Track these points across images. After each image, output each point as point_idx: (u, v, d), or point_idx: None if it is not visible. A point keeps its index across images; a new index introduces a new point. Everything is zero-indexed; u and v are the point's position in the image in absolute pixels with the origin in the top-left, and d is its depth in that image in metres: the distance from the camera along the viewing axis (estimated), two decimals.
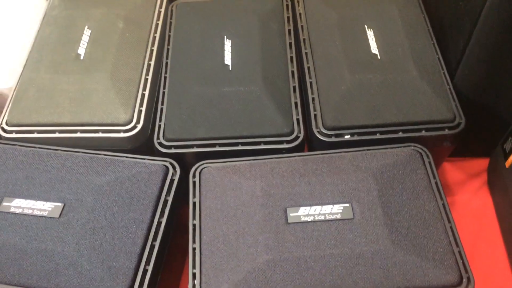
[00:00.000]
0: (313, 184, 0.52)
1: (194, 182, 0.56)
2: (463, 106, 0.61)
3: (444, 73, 0.64)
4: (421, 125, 0.59)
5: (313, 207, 0.50)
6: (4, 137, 0.62)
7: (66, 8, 0.73)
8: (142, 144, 0.63)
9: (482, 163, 0.73)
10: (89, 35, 0.69)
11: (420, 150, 0.56)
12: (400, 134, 0.58)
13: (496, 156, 0.68)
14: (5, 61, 0.72)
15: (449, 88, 0.62)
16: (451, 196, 0.71)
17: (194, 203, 0.54)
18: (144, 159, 0.58)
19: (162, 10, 0.75)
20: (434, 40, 0.67)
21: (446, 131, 0.58)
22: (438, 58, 0.65)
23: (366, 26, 0.68)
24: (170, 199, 0.55)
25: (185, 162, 0.59)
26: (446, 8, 0.68)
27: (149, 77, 0.66)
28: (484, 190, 0.71)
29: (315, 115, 0.61)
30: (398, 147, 0.56)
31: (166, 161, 0.58)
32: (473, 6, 0.58)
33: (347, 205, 0.50)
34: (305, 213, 0.50)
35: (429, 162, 0.55)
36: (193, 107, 0.62)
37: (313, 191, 0.51)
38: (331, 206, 0.50)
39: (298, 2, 0.74)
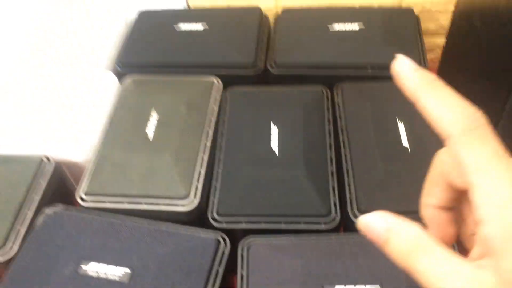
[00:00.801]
0: (348, 265, 0.59)
1: (242, 256, 0.64)
2: None
3: None
4: None
5: (348, 286, 0.57)
6: (81, 205, 0.72)
7: (137, 94, 0.86)
8: (196, 217, 0.72)
9: None
10: (156, 118, 0.81)
11: None
12: None
13: None
14: (83, 136, 0.84)
15: None
16: None
17: (242, 276, 0.62)
18: (199, 232, 0.66)
19: (218, 96, 0.86)
20: None
21: None
22: None
23: (397, 119, 0.77)
24: (221, 270, 0.63)
25: (233, 235, 0.68)
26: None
27: (205, 157, 0.76)
28: None
29: (350, 199, 0.69)
30: None
31: (217, 234, 0.66)
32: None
33: (377, 286, 0.57)
34: None
35: None
36: (243, 187, 0.71)
37: (348, 272, 0.59)
38: (362, 286, 0.57)
39: (337, 93, 0.84)
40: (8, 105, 0.87)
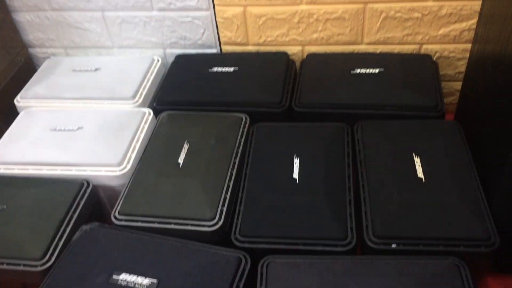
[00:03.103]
0: (362, 285, 0.62)
1: (261, 273, 0.67)
2: (499, 229, 0.70)
3: (482, 197, 0.73)
4: (460, 241, 0.68)
5: None
6: (115, 223, 0.78)
7: (171, 126, 0.94)
8: (220, 238, 0.77)
9: None
10: (187, 148, 0.88)
11: (458, 263, 0.65)
12: (441, 248, 0.68)
13: None
14: (116, 164, 0.91)
15: (486, 211, 0.71)
16: None
17: None
18: (222, 250, 0.71)
19: (245, 130, 0.93)
20: (475, 170, 0.78)
21: (482, 248, 0.67)
22: (478, 185, 0.75)
23: (414, 154, 0.81)
24: (241, 285, 0.66)
25: (254, 255, 0.71)
26: (486, 143, 0.79)
27: (231, 184, 0.82)
28: None
29: (366, 225, 0.72)
30: (438, 259, 0.65)
31: (239, 253, 0.71)
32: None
33: None
34: None
35: (466, 275, 0.63)
36: (264, 210, 0.76)
37: None
38: None
39: (357, 130, 0.89)
40: (61, 137, 0.95)
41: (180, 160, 0.86)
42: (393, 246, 0.69)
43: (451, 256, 0.66)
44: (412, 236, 0.69)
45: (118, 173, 0.86)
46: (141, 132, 0.94)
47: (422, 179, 0.76)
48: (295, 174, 0.81)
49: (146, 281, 0.66)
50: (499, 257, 0.71)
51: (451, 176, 0.76)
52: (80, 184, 0.84)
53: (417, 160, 0.80)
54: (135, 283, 0.65)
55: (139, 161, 0.88)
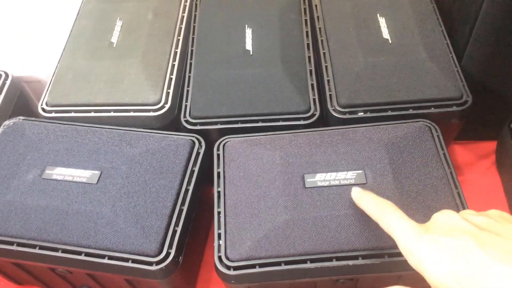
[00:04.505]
0: (329, 154, 0.56)
1: (218, 155, 0.60)
2: (470, 88, 0.64)
3: (452, 56, 0.67)
4: (430, 102, 0.63)
5: (329, 174, 0.54)
6: (44, 116, 0.67)
7: (99, 2, 0.80)
8: (169, 124, 0.68)
9: (490, 145, 0.76)
10: (121, 25, 0.75)
11: (429, 125, 0.60)
12: (411, 111, 0.62)
13: (503, 137, 0.71)
14: (44, 51, 0.78)
15: (457, 70, 0.66)
16: (460, 176, 0.74)
17: (218, 173, 0.59)
18: (172, 134, 0.63)
19: (187, 4, 0.80)
20: (443, 27, 0.71)
21: (454, 108, 0.62)
22: (447, 43, 0.69)
23: (378, 14, 0.72)
24: (196, 170, 0.59)
25: (209, 138, 0.64)
26: None
27: (176, 63, 0.71)
28: (493, 170, 0.74)
29: (330, 95, 0.65)
30: (408, 122, 0.60)
31: (191, 136, 0.63)
32: None
33: (360, 171, 0.54)
34: (321, 178, 0.54)
35: (438, 136, 0.59)
36: (216, 88, 0.67)
37: (329, 160, 0.56)
38: (345, 172, 0.54)
39: None
40: None
41: (114, 40, 0.73)
42: (360, 114, 0.63)
43: (421, 119, 0.61)
44: (379, 102, 0.63)
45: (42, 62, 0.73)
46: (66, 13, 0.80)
47: (388, 40, 0.69)
48: (248, 46, 0.71)
49: (86, 173, 0.57)
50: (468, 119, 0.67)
51: (419, 35, 0.69)
52: None
53: (381, 21, 0.71)
54: (73, 176, 0.57)
55: (66, 44, 0.75)
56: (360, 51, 0.68)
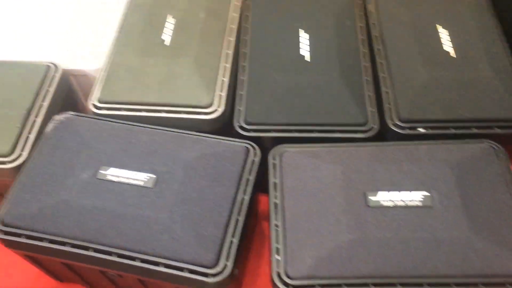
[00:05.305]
0: (391, 171, 0.55)
1: (274, 164, 0.59)
2: None
3: None
4: (495, 122, 0.61)
5: (392, 193, 0.53)
6: (95, 113, 0.66)
7: None
8: (219, 128, 0.67)
9: None
10: (172, 23, 0.74)
11: (494, 146, 0.58)
12: (474, 130, 0.60)
13: None
14: (90, 44, 0.77)
15: None
16: None
17: (274, 183, 0.57)
18: (226, 140, 0.61)
19: (238, 4, 0.79)
20: (506, 42, 0.69)
21: None
22: (510, 61, 0.67)
23: (438, 25, 0.70)
24: (252, 179, 0.58)
25: (261, 145, 0.62)
26: None
27: (228, 65, 0.70)
28: None
29: (389, 108, 0.63)
30: (472, 142, 0.58)
31: (246, 142, 0.61)
32: None
33: (426, 193, 0.53)
34: (385, 198, 0.52)
35: (503, 158, 0.57)
36: (272, 94, 0.65)
37: (392, 178, 0.54)
38: (409, 192, 0.53)
39: (370, 0, 0.77)
40: (15, 11, 0.78)
41: (165, 37, 0.72)
42: (420, 130, 0.61)
43: (485, 139, 0.59)
44: (441, 118, 0.61)
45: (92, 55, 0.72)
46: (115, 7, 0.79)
47: (449, 52, 0.67)
48: (303, 51, 0.69)
49: (141, 176, 0.56)
50: None
51: (482, 50, 0.67)
52: (46, 68, 0.70)
53: (441, 32, 0.69)
54: (128, 178, 0.56)
55: (115, 39, 0.74)
56: (421, 63, 0.66)
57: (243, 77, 0.69)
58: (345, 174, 0.55)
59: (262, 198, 0.67)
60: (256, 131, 0.63)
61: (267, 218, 0.57)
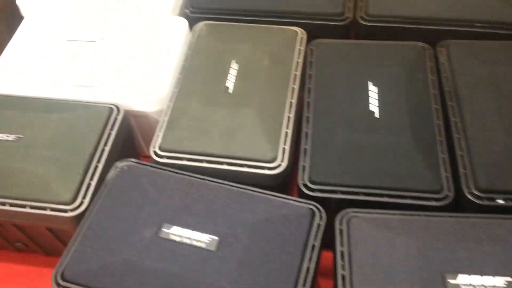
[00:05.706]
0: (472, 251, 0.51)
1: (341, 230, 0.56)
2: None
3: None
4: None
5: (474, 276, 0.49)
6: (156, 160, 0.65)
7: (214, 41, 0.77)
8: (281, 183, 0.64)
9: None
10: (236, 69, 0.72)
11: None
12: None
13: None
14: (149, 84, 0.76)
15: None
16: None
17: (342, 253, 0.54)
18: (291, 200, 0.59)
19: (302, 48, 0.77)
20: None
21: None
22: None
23: None
24: (317, 245, 0.55)
25: (325, 206, 0.60)
26: None
27: (292, 115, 0.68)
28: None
29: (465, 174, 0.59)
30: None
31: (311, 204, 0.59)
32: None
33: (510, 279, 0.48)
34: (466, 281, 0.48)
35: None
36: (338, 151, 0.62)
37: (473, 259, 0.50)
38: (493, 277, 0.49)
39: (441, 52, 0.73)
40: (75, 53, 0.79)
41: (229, 84, 0.71)
42: (500, 201, 0.57)
43: None
44: None
45: (154, 96, 0.72)
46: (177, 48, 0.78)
47: None
48: (372, 107, 0.66)
49: (204, 237, 0.54)
50: None
51: None
52: (109, 110, 0.70)
53: None
54: (191, 239, 0.54)
55: (176, 83, 0.73)
56: (502, 126, 0.62)
57: (307, 129, 0.66)
58: (421, 252, 0.51)
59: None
60: (321, 192, 0.60)
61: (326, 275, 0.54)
